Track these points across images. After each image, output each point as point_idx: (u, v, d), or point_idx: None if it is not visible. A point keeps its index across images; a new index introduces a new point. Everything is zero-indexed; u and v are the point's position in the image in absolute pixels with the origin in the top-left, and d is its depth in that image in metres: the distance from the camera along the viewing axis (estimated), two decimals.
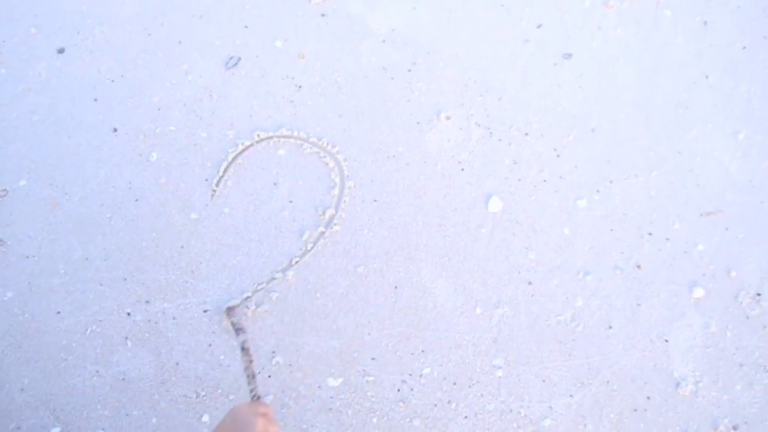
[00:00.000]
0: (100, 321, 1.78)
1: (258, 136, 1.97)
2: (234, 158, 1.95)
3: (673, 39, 2.05)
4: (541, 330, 1.75)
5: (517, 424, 1.67)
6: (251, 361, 1.57)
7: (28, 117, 2.01)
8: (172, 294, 1.80)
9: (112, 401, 1.70)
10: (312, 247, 1.85)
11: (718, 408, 1.67)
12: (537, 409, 1.68)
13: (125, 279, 1.82)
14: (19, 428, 1.67)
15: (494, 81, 2.02)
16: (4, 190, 1.92)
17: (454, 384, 1.71)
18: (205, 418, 1.68)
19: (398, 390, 1.71)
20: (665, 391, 1.69)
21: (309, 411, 1.69)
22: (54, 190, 1.92)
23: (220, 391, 1.71)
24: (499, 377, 1.71)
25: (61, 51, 2.10)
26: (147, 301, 1.79)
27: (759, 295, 1.75)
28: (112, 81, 2.06)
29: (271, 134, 1.98)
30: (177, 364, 1.73)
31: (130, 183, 1.93)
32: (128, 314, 1.78)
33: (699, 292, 1.76)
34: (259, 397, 1.43)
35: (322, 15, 2.13)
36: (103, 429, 1.68)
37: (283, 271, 1.82)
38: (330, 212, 1.88)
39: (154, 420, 1.69)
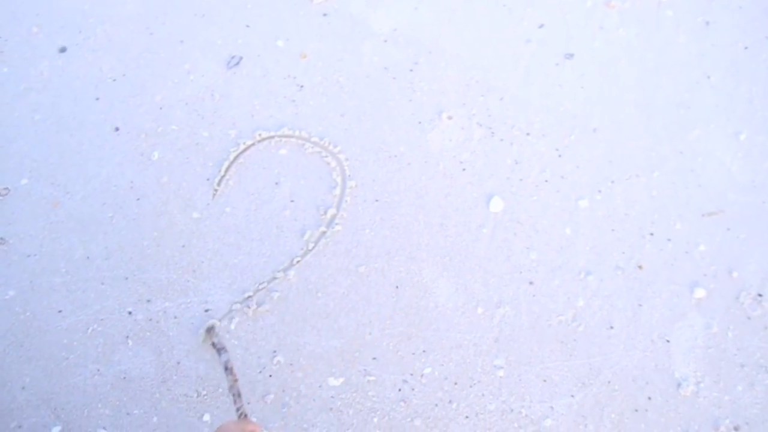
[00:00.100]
0: (102, 320, 1.78)
1: (260, 135, 1.97)
2: (236, 157, 1.95)
3: (675, 39, 2.05)
4: (542, 330, 1.75)
5: (518, 424, 1.67)
6: (236, 380, 1.57)
7: (29, 116, 2.01)
8: (173, 293, 1.80)
9: (113, 400, 1.70)
10: (313, 247, 1.85)
11: (720, 409, 1.67)
12: (538, 409, 1.68)
13: (127, 278, 1.82)
14: (20, 427, 1.68)
15: (496, 81, 2.02)
16: (6, 188, 1.92)
17: (455, 384, 1.71)
18: (206, 417, 1.68)
19: (399, 390, 1.71)
20: (666, 392, 1.69)
21: (310, 410, 1.69)
22: (55, 188, 1.92)
23: (221, 390, 1.71)
24: (501, 377, 1.71)
25: (62, 50, 2.10)
26: (148, 300, 1.80)
27: (760, 295, 1.75)
28: (114, 80, 2.06)
29: (272, 134, 1.98)
30: (178, 363, 1.73)
31: (131, 182, 1.93)
32: (129, 313, 1.78)
33: (700, 293, 1.76)
34: (246, 415, 1.43)
35: (324, 14, 2.13)
36: (104, 428, 1.68)
37: (285, 270, 1.82)
38: (331, 212, 1.88)
39: (155, 419, 1.69)
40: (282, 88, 2.03)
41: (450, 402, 1.70)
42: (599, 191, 1.89)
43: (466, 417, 1.68)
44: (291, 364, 1.73)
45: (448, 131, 1.97)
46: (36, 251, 1.85)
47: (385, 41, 2.08)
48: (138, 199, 1.90)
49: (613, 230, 1.84)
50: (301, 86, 2.04)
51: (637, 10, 2.09)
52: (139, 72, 2.06)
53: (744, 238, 1.81)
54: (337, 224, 1.86)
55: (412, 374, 1.72)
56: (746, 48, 2.02)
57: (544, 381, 1.71)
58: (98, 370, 1.73)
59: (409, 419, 1.68)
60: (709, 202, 1.86)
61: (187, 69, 2.06)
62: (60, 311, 1.79)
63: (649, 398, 1.68)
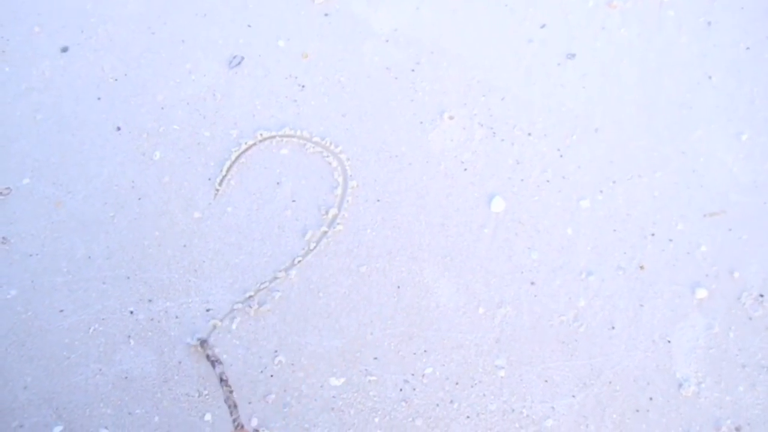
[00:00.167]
0: (103, 319, 1.78)
1: (261, 135, 1.97)
2: (237, 157, 1.95)
3: (676, 39, 2.05)
4: (543, 330, 1.75)
5: (519, 424, 1.67)
6: (231, 392, 1.58)
7: (31, 115, 2.01)
8: (174, 293, 1.80)
9: (115, 399, 1.71)
10: (315, 247, 1.85)
11: (721, 409, 1.67)
12: (539, 410, 1.68)
13: (128, 277, 1.82)
14: (21, 426, 1.68)
15: (497, 81, 2.02)
16: (8, 188, 1.92)
17: (457, 384, 1.71)
18: (208, 416, 1.68)
19: (400, 390, 1.71)
20: (668, 392, 1.69)
21: (311, 410, 1.69)
22: (57, 188, 1.92)
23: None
24: (502, 377, 1.71)
25: (64, 50, 2.10)
26: (150, 300, 1.80)
27: (762, 296, 1.75)
28: (116, 80, 2.06)
29: (274, 133, 1.98)
30: (179, 362, 1.74)
31: (133, 182, 1.93)
32: (131, 313, 1.78)
33: (702, 293, 1.76)
34: (242, 426, 1.44)
35: (326, 15, 2.13)
36: (105, 427, 1.68)
37: (286, 270, 1.82)
38: (333, 212, 1.88)
39: (156, 418, 1.69)
40: (283, 88, 2.03)
41: (451, 402, 1.70)
42: (601, 191, 1.89)
43: (468, 417, 1.68)
44: (292, 364, 1.73)
45: (449, 131, 1.97)
46: (38, 251, 1.85)
47: (387, 41, 2.08)
48: (139, 199, 1.91)
49: (614, 230, 1.84)
50: (303, 86, 2.04)
51: (639, 11, 2.09)
52: (141, 72, 2.06)
53: (746, 238, 1.81)
54: (338, 224, 1.86)
55: (413, 374, 1.72)
56: (748, 48, 2.02)
57: (546, 381, 1.71)
58: (100, 370, 1.73)
59: (410, 419, 1.68)
60: (710, 203, 1.86)
61: (189, 69, 2.06)
62: (61, 311, 1.79)
63: (651, 399, 1.68)
